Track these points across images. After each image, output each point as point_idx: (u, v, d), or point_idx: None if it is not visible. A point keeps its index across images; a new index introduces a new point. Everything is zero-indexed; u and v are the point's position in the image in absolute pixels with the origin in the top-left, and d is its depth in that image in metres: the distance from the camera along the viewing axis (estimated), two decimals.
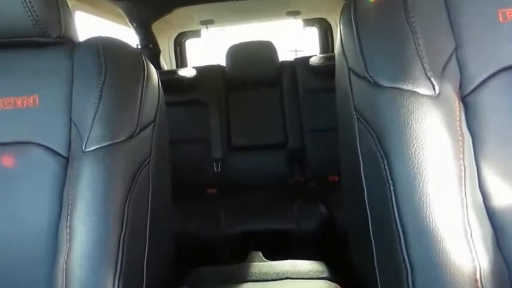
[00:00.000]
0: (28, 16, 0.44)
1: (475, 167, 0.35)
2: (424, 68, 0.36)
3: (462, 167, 0.34)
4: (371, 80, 0.38)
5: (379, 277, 0.39)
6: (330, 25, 1.80)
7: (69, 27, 0.50)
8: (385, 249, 0.37)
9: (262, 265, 0.58)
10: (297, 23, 1.86)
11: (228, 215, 1.10)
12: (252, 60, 1.46)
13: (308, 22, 1.84)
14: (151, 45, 1.57)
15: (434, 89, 0.36)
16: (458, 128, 0.35)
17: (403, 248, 0.34)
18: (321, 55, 1.46)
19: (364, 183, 0.40)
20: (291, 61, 1.54)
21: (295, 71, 1.47)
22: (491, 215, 0.35)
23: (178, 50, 1.88)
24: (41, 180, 0.44)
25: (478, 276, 0.32)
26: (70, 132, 0.45)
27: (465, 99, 0.36)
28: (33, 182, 0.44)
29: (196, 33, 1.89)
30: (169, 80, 1.38)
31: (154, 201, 0.50)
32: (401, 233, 0.34)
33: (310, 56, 1.46)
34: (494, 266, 0.33)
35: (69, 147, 0.45)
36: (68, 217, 0.42)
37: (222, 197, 1.32)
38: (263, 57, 1.46)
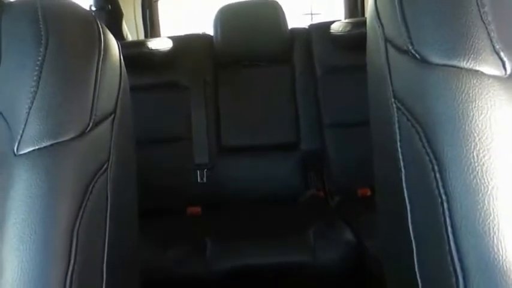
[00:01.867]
0: None
1: None
2: (490, 38, 0.36)
3: None
4: (417, 55, 0.38)
5: None
6: None
7: None
8: None
9: None
10: None
11: (216, 244, 1.10)
12: (251, 26, 1.46)
13: None
14: (110, 7, 1.58)
15: (504, 67, 0.36)
16: None
17: None
18: (346, 20, 1.46)
19: (406, 200, 0.40)
20: (305, 28, 1.54)
21: (311, 42, 1.48)
22: None
23: (147, 13, 1.88)
24: None
25: None
26: None
27: None
28: None
29: None
30: (136, 55, 1.38)
31: (114, 224, 0.50)
32: (459, 270, 0.34)
33: (332, 22, 1.46)
34: None
35: None
36: None
37: (209, 218, 1.32)
38: (266, 22, 1.47)
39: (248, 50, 1.47)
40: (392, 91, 0.42)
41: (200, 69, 1.48)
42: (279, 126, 1.45)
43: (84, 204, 0.45)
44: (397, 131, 0.41)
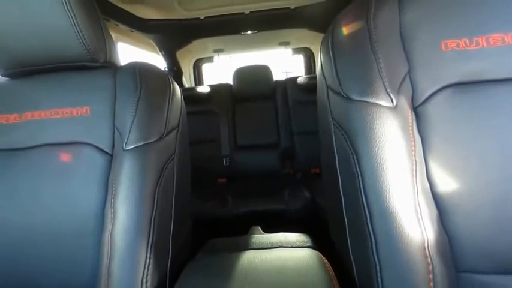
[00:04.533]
0: (81, 46, 0.44)
1: (424, 162, 0.35)
2: (384, 86, 0.36)
3: (414, 162, 0.34)
4: (344, 95, 0.38)
5: (350, 246, 0.39)
6: (313, 53, 1.80)
7: (113, 54, 0.50)
8: (355, 225, 0.37)
9: (260, 237, 0.58)
10: (287, 51, 1.86)
11: (234, 199, 1.10)
12: (253, 79, 1.46)
13: (296, 50, 1.85)
14: (175, 68, 1.58)
15: (392, 101, 0.36)
16: (410, 132, 0.35)
17: (369, 224, 0.34)
18: (305, 76, 1.46)
19: (339, 175, 0.40)
20: (283, 80, 1.54)
21: (286, 88, 1.47)
22: (436, 199, 0.35)
23: (196, 72, 1.88)
24: (91, 172, 0.44)
25: (426, 245, 0.32)
26: (113, 135, 0.46)
27: (416, 110, 0.36)
28: (85, 173, 0.44)
29: (210, 59, 1.89)
30: (189, 95, 1.38)
31: (177, 188, 0.50)
32: (367, 213, 0.34)
33: (298, 77, 1.46)
34: (438, 238, 0.33)
35: (113, 146, 0.45)
36: (112, 200, 0.42)
37: (230, 184, 1.32)
38: (261, 77, 1.46)
39: (251, 93, 1.47)
40: (331, 114, 0.42)
41: (225, 103, 1.48)
42: (268, 133, 1.45)
43: (161, 177, 0.45)
44: (333, 136, 0.41)
